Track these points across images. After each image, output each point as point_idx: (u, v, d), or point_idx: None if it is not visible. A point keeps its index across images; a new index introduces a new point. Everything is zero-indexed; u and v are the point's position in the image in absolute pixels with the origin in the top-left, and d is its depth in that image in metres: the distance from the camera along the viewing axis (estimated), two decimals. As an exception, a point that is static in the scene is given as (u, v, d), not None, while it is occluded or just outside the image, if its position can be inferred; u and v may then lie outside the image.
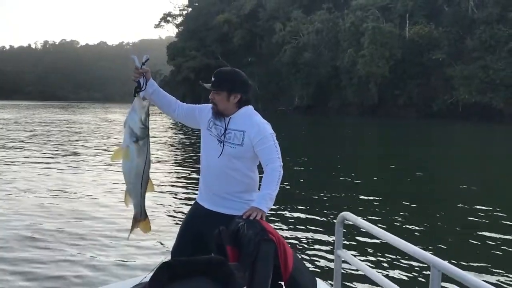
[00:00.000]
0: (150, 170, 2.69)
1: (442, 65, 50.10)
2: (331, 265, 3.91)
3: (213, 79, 2.86)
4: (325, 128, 37.73)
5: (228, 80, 2.87)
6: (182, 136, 25.37)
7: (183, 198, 9.67)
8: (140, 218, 2.68)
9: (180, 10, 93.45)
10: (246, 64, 64.17)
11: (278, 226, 7.35)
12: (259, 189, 3.01)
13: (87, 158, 15.58)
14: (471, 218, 8.37)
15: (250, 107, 2.93)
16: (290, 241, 6.41)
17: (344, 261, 2.81)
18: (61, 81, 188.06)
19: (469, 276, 1.83)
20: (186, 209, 7.14)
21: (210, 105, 2.96)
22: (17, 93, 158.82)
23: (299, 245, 6.40)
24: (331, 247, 5.94)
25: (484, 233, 7.30)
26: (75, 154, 16.66)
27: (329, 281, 3.17)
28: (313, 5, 63.81)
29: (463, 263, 5.72)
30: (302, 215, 8.27)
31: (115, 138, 23.43)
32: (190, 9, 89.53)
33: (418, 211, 8.90)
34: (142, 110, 2.58)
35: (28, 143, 19.91)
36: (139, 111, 2.57)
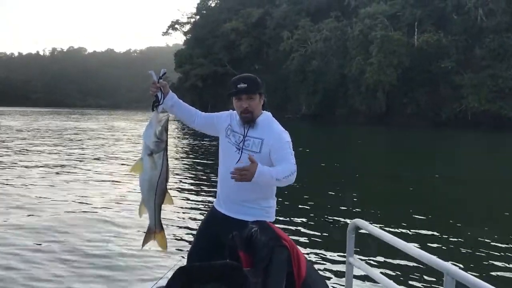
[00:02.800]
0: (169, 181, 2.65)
1: (450, 74, 49.91)
2: (343, 272, 3.91)
3: (244, 85, 2.83)
4: (333, 136, 37.57)
5: (257, 82, 2.90)
6: (198, 143, 25.37)
7: (199, 204, 9.62)
8: (155, 230, 2.66)
9: (188, 18, 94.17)
10: (253, 72, 63.95)
11: (289, 233, 7.20)
12: (276, 196, 3.02)
13: (89, 164, 15.50)
14: (484, 226, 8.25)
15: (269, 113, 2.97)
16: (301, 248, 6.24)
17: (356, 269, 2.78)
18: (69, 88, 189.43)
19: (484, 284, 1.79)
20: (203, 215, 7.07)
21: (227, 112, 3.03)
22: (24, 100, 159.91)
23: (310, 252, 6.31)
24: (342, 254, 5.87)
25: (497, 241, 7.19)
26: (78, 160, 16.60)
27: None
28: (320, 13, 63.85)
29: (477, 271, 5.61)
30: (313, 223, 8.17)
31: (107, 144, 23.39)
32: (198, 17, 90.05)
33: (430, 219, 8.79)
34: (159, 124, 2.57)
35: (26, 150, 19.86)
36: (155, 125, 2.57)
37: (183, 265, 2.16)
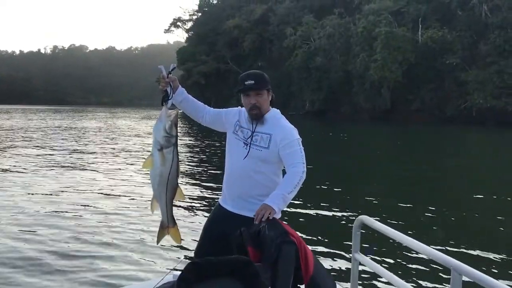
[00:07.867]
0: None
1: (455, 70, 49.60)
2: (348, 268, 3.95)
3: (251, 81, 2.84)
4: (338, 132, 37.40)
5: (264, 79, 2.90)
6: (205, 139, 25.30)
7: (205, 200, 9.59)
8: (168, 225, 2.67)
9: (190, 15, 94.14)
10: (256, 69, 63.57)
11: (296, 229, 7.09)
12: None
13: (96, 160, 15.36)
14: (491, 222, 8.25)
15: (278, 110, 2.97)
16: (307, 244, 6.16)
17: (361, 265, 2.80)
18: (70, 86, 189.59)
19: (491, 280, 1.79)
20: (209, 211, 7.01)
21: (236, 108, 3.03)
22: (26, 98, 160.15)
23: (316, 248, 6.33)
24: (348, 250, 5.97)
25: (504, 238, 7.22)
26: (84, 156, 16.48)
27: (344, 285, 3.17)
28: (324, 10, 63.64)
29: (483, 267, 5.56)
30: (319, 219, 8.22)
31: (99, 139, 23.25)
32: (199, 14, 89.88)
33: (436, 215, 8.73)
34: (168, 119, 2.58)
35: (29, 148, 19.76)
36: (165, 120, 2.58)
37: (194, 260, 2.16)
